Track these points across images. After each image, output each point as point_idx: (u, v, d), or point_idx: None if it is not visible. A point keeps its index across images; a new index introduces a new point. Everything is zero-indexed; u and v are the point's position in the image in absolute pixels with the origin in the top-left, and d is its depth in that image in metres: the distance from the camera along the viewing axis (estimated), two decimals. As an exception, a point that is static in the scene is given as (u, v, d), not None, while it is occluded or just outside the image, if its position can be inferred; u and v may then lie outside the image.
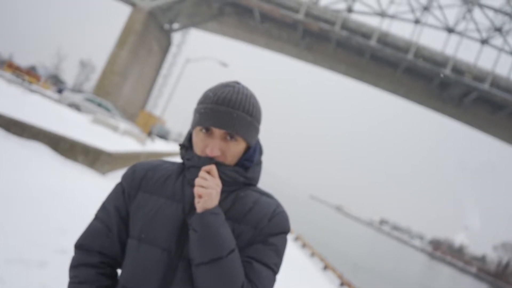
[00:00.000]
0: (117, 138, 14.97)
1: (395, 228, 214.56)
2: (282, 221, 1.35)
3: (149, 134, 27.54)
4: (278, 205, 1.38)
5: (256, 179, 1.44)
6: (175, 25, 57.74)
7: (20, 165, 6.93)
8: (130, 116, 45.31)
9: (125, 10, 50.03)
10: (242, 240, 1.30)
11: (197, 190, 1.24)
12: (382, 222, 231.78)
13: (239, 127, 1.30)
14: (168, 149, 26.58)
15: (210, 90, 1.35)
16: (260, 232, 1.31)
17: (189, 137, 1.42)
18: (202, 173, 1.26)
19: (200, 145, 1.33)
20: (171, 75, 62.27)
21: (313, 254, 17.37)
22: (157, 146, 23.41)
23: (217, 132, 1.30)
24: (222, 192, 1.34)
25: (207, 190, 1.23)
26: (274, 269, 1.31)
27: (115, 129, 17.74)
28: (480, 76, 45.75)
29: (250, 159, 1.40)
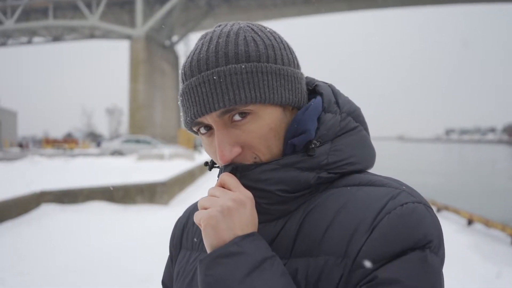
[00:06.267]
0: (167, 165, 14.96)
1: (463, 132, 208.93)
2: (404, 224, 0.63)
3: (195, 148, 27.66)
4: (397, 194, 0.67)
5: (350, 159, 0.76)
6: (175, 38, 57.95)
7: (84, 230, 6.88)
8: (171, 139, 45.87)
9: (126, 45, 50.65)
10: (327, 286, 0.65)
11: (195, 216, 0.72)
12: (448, 132, 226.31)
13: (234, 92, 0.71)
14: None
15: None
16: (356, 261, 0.64)
17: None
18: (212, 190, 0.74)
19: (211, 153, 0.80)
20: (191, 85, 62.80)
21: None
22: (206, 155, 23.43)
23: (212, 120, 0.74)
24: (275, 212, 0.75)
25: (207, 212, 0.69)
26: None
27: (161, 157, 17.81)
28: None
29: (305, 127, 0.75)
